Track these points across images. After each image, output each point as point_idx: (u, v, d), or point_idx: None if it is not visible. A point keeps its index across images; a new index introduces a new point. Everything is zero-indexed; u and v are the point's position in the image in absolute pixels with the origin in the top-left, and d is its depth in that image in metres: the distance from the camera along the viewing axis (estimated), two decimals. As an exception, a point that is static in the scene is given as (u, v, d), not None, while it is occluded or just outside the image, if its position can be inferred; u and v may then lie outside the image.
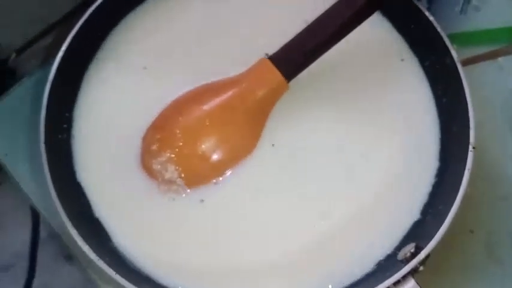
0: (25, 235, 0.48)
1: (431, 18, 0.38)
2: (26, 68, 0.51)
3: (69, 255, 0.51)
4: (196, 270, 0.35)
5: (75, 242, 0.39)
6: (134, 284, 0.31)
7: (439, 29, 0.38)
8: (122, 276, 0.31)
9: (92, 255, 0.32)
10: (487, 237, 0.44)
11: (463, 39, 0.51)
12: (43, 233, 0.49)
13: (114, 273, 0.32)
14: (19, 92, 0.47)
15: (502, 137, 0.47)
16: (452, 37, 0.50)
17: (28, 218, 0.48)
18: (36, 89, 0.46)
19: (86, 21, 0.38)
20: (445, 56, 0.38)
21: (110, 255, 0.34)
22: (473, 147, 0.34)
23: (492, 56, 0.50)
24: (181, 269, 0.35)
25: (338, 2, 0.36)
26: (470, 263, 0.43)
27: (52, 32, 0.52)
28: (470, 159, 0.34)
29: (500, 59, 0.50)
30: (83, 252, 0.39)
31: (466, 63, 0.50)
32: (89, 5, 0.51)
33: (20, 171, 0.44)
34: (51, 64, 0.42)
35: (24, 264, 0.48)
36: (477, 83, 0.49)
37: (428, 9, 0.52)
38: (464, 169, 0.33)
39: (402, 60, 0.41)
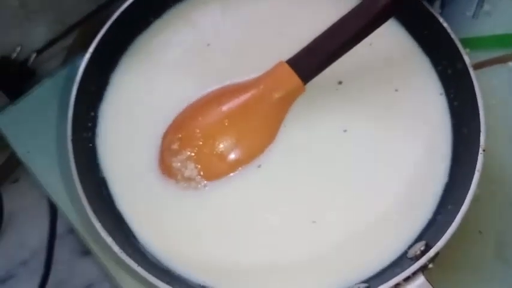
0: (42, 231, 0.49)
1: (444, 24, 0.39)
2: (46, 69, 0.53)
3: (86, 251, 0.53)
4: (215, 265, 0.37)
5: (94, 237, 0.41)
6: (155, 276, 0.33)
7: (452, 35, 0.39)
8: (143, 268, 0.33)
9: (115, 248, 0.34)
10: (496, 238, 0.45)
11: (475, 43, 0.52)
12: (60, 229, 0.50)
13: (136, 265, 0.33)
14: (40, 92, 0.48)
15: (511, 139, 0.48)
16: (464, 41, 0.52)
17: (45, 214, 0.49)
18: (56, 89, 0.48)
19: (115, 22, 0.40)
20: (457, 61, 0.39)
21: (131, 248, 0.36)
22: (483, 150, 0.36)
23: (503, 60, 0.52)
24: (200, 263, 0.37)
25: (353, 9, 0.38)
26: (479, 262, 0.44)
27: (72, 33, 0.53)
28: (480, 162, 0.35)
29: (510, 63, 0.51)
30: (101, 247, 0.41)
31: (477, 67, 0.52)
32: (107, 8, 0.53)
33: (41, 168, 0.46)
34: (73, 65, 0.44)
35: (41, 259, 0.49)
36: (488, 87, 0.50)
37: (441, 14, 0.53)
38: (474, 171, 0.35)
39: (416, 64, 0.43)
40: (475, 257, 0.45)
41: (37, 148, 0.46)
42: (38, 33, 0.51)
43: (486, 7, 0.54)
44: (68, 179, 0.41)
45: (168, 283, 0.33)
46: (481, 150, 0.35)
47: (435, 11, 0.42)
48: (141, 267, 0.33)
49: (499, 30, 0.53)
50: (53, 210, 0.48)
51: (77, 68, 0.40)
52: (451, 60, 0.40)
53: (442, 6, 0.54)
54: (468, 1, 0.54)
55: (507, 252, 0.45)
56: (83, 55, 0.40)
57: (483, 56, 0.51)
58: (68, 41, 0.53)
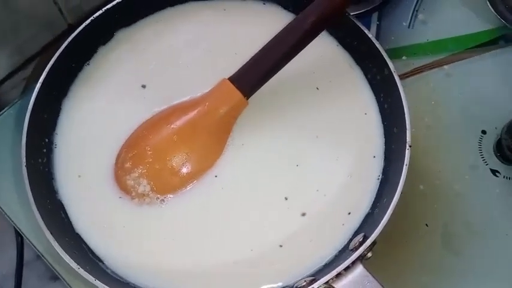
0: (11, 258, 0.51)
1: (370, 35, 0.44)
2: (7, 99, 0.55)
3: (54, 276, 0.55)
4: (175, 271, 0.40)
5: (59, 262, 0.44)
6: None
7: (377, 45, 0.43)
8: (102, 282, 0.36)
9: (73, 265, 0.36)
10: (442, 230, 0.49)
11: (412, 50, 0.57)
12: (28, 255, 0.52)
13: (93, 279, 0.36)
14: (1, 121, 0.51)
15: (452, 138, 0.53)
16: (402, 49, 0.58)
17: (13, 241, 0.51)
18: (17, 118, 0.50)
19: (63, 52, 0.43)
20: (384, 68, 0.43)
21: (90, 264, 0.38)
22: (410, 146, 0.40)
23: (439, 64, 0.56)
24: (161, 275, 0.40)
25: (287, 26, 0.42)
26: (426, 253, 0.48)
27: (31, 64, 0.56)
28: (407, 156, 0.39)
29: (446, 66, 0.56)
30: (68, 272, 0.43)
31: (416, 72, 0.57)
32: (63, 38, 0.56)
33: (3, 197, 0.48)
34: (30, 94, 0.47)
35: (11, 286, 0.51)
36: (427, 89, 0.55)
37: (379, 25, 0.59)
38: (403, 165, 0.38)
39: (349, 72, 0.47)
40: (423, 249, 0.49)
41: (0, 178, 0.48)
42: (-2, 66, 0.54)
43: (421, 16, 0.59)
44: (28, 206, 0.44)
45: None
46: (407, 146, 0.39)
47: (363, 25, 0.45)
48: (100, 280, 0.36)
49: (434, 37, 0.58)
50: (20, 238, 0.50)
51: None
52: (379, 68, 0.44)
53: (380, 18, 0.59)
54: (404, 12, 0.59)
55: (453, 242, 0.49)
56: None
57: (421, 61, 0.56)
58: (28, 71, 0.56)
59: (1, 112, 0.51)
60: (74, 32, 0.45)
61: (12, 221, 0.47)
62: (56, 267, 0.46)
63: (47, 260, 0.46)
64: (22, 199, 0.46)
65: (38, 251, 0.47)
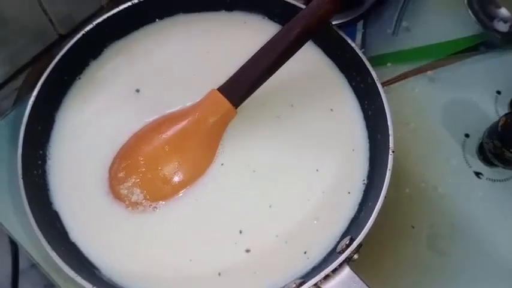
0: (6, 267, 0.52)
1: (353, 45, 0.46)
2: (0, 109, 0.56)
3: (49, 284, 0.56)
4: (168, 278, 0.41)
5: (55, 270, 0.45)
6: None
7: (360, 54, 0.46)
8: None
9: (71, 273, 0.38)
10: (428, 231, 0.51)
11: (397, 57, 0.60)
12: (22, 264, 0.53)
13: (91, 286, 0.37)
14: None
15: (436, 141, 0.55)
16: (387, 56, 0.60)
17: (7, 251, 0.52)
18: (9, 129, 0.51)
19: (55, 66, 0.45)
20: (367, 77, 0.45)
21: (87, 272, 0.40)
22: (393, 151, 0.42)
23: (423, 70, 0.59)
24: (154, 278, 0.42)
25: (272, 37, 0.44)
26: (412, 254, 0.50)
27: (22, 74, 0.56)
28: (391, 161, 0.41)
29: (430, 72, 0.58)
30: (63, 279, 0.45)
31: (401, 78, 0.59)
32: (54, 48, 0.57)
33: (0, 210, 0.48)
34: (22, 105, 0.48)
35: None
36: (411, 95, 0.57)
37: (364, 32, 0.61)
38: (386, 169, 0.40)
39: (334, 81, 0.49)
40: (409, 250, 0.50)
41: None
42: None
43: (405, 24, 0.62)
44: (24, 216, 0.45)
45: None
46: (390, 152, 0.41)
47: (347, 35, 0.48)
48: (96, 286, 0.37)
49: (418, 44, 0.60)
50: (15, 247, 0.52)
51: (25, 108, 0.44)
52: (362, 76, 0.46)
53: (365, 26, 0.61)
54: (388, 19, 0.61)
55: (438, 243, 0.51)
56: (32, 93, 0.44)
57: (405, 68, 0.58)
58: (19, 81, 0.57)
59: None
60: (65, 43, 0.46)
61: (8, 231, 0.48)
62: (53, 276, 0.47)
63: (43, 269, 0.47)
64: (17, 209, 0.48)
65: (34, 259, 0.48)
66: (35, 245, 0.47)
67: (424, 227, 0.51)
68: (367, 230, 0.38)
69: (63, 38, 0.59)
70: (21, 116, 0.49)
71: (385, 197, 0.40)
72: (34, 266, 0.54)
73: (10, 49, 0.53)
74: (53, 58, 0.56)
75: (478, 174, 0.53)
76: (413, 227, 0.51)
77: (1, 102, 0.57)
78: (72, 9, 0.57)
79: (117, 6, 0.48)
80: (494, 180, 0.53)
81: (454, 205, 0.52)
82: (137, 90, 0.48)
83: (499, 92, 0.57)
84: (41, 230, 0.39)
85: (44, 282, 0.55)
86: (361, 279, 0.37)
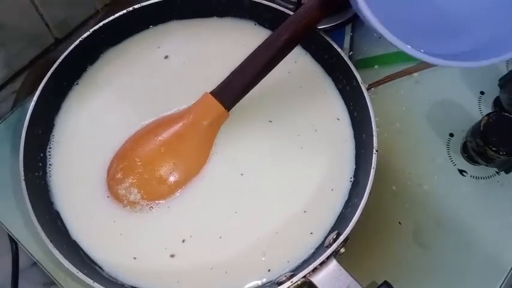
0: (6, 267, 0.54)
1: (339, 49, 0.49)
2: None
3: (48, 283, 0.59)
4: (166, 272, 0.44)
5: (56, 268, 0.48)
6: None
7: (345, 58, 0.49)
8: (100, 284, 0.40)
9: (73, 269, 0.41)
10: (414, 227, 0.53)
11: (384, 60, 0.62)
12: (22, 263, 0.55)
13: (92, 282, 0.40)
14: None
15: (422, 141, 0.58)
16: (374, 59, 0.63)
17: (7, 250, 0.54)
18: (9, 132, 0.54)
19: (54, 72, 0.47)
20: (352, 80, 0.48)
21: (88, 268, 0.43)
22: (377, 150, 0.45)
23: (409, 72, 0.61)
24: (152, 274, 0.44)
25: (262, 43, 0.47)
26: (399, 249, 0.52)
27: (19, 77, 0.59)
28: (375, 160, 0.44)
29: (415, 74, 0.61)
30: (64, 277, 0.47)
31: (387, 80, 0.62)
32: (51, 51, 0.59)
33: (0, 210, 0.51)
34: (22, 108, 0.51)
35: None
36: (397, 96, 0.60)
37: (352, 36, 0.64)
38: (371, 168, 0.43)
39: (321, 84, 0.52)
40: (396, 245, 0.53)
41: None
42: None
43: (391, 27, 0.64)
44: (25, 215, 0.48)
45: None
46: (374, 151, 0.44)
47: (332, 40, 0.50)
48: (98, 283, 0.40)
49: (403, 47, 0.63)
50: (15, 246, 0.54)
51: (25, 112, 0.46)
52: (348, 79, 0.49)
53: (353, 29, 0.64)
54: (375, 23, 0.64)
55: (424, 239, 0.53)
56: (32, 98, 0.46)
57: (391, 70, 0.61)
58: (17, 84, 0.59)
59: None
60: (62, 49, 0.48)
61: (9, 230, 0.51)
62: (53, 274, 0.49)
63: (43, 267, 0.50)
64: (18, 209, 0.50)
65: (34, 258, 0.50)
66: (36, 243, 0.49)
67: (410, 222, 0.53)
68: (353, 225, 0.41)
69: (60, 42, 0.61)
70: (20, 119, 0.52)
71: (372, 193, 0.43)
72: (33, 265, 0.57)
73: (7, 53, 0.56)
74: (50, 61, 0.58)
75: (462, 172, 0.56)
76: (400, 223, 0.54)
77: (0, 104, 0.59)
78: (68, 14, 0.59)
79: (112, 10, 0.51)
80: (478, 178, 0.56)
81: (439, 202, 0.54)
82: (133, 95, 0.51)
83: (482, 93, 0.59)
84: (43, 228, 0.42)
85: (44, 281, 0.58)
86: (347, 271, 0.40)
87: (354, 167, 0.48)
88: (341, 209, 0.46)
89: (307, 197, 0.47)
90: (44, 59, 0.60)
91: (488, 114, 0.53)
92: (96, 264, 0.45)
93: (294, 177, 0.48)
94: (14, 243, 0.53)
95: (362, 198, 0.42)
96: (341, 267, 0.40)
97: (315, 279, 0.40)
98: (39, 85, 0.47)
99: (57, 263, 0.46)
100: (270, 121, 0.51)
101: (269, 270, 0.44)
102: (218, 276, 0.44)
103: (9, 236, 0.53)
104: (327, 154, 0.49)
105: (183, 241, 0.46)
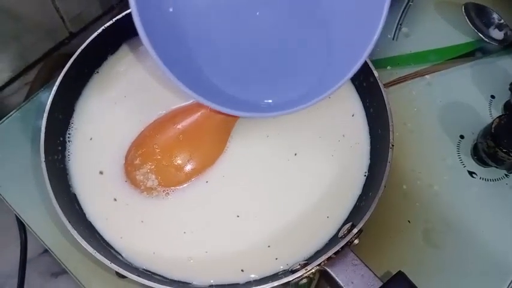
0: (14, 256, 0.56)
1: (356, 46, 0.51)
2: (10, 103, 0.61)
3: (56, 273, 0.60)
4: (181, 258, 0.46)
5: (67, 255, 0.49)
6: (129, 271, 0.41)
7: (364, 55, 0.50)
8: (116, 264, 0.42)
9: (90, 249, 0.42)
10: (424, 226, 0.55)
11: (396, 61, 0.64)
12: (31, 253, 0.56)
13: (109, 262, 0.42)
14: (8, 124, 0.56)
15: (433, 141, 0.59)
16: (387, 60, 0.65)
17: (16, 240, 0.55)
18: (23, 121, 0.56)
19: (77, 58, 0.49)
20: (369, 76, 0.50)
21: (104, 251, 0.44)
22: (392, 145, 0.47)
23: (421, 74, 0.63)
24: (168, 258, 0.46)
25: None
26: (408, 247, 0.54)
27: (33, 70, 0.61)
28: (391, 154, 0.46)
29: (427, 76, 0.63)
30: (75, 263, 0.49)
31: (400, 81, 0.64)
32: (64, 45, 0.61)
33: (12, 195, 0.53)
34: (36, 98, 0.53)
35: (14, 283, 0.55)
36: (409, 97, 0.62)
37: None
38: (387, 162, 0.45)
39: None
40: (405, 243, 0.54)
41: (7, 177, 0.54)
42: (0, 71, 0.58)
43: (404, 29, 0.67)
44: (38, 201, 0.50)
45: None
46: (390, 145, 0.46)
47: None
48: (114, 263, 0.42)
49: (416, 49, 0.65)
50: (24, 235, 0.55)
51: (43, 101, 0.48)
52: (365, 75, 0.51)
53: (366, 30, 0.66)
54: (388, 25, 0.67)
55: (433, 238, 0.55)
56: (48, 88, 0.48)
57: (404, 71, 0.63)
58: (30, 76, 0.61)
59: (7, 116, 0.57)
60: (74, 41, 0.51)
61: (21, 216, 0.52)
62: (64, 261, 0.51)
63: (54, 254, 0.51)
64: (30, 196, 0.52)
65: (45, 244, 0.51)
66: (48, 230, 0.51)
67: (420, 221, 0.55)
68: (368, 217, 0.43)
69: (74, 36, 0.63)
70: (38, 108, 0.54)
71: (383, 191, 0.44)
72: (41, 255, 0.59)
73: (22, 45, 0.57)
74: (63, 55, 0.60)
75: (471, 173, 0.57)
76: (409, 222, 0.55)
77: (12, 95, 0.61)
78: (83, 8, 0.61)
79: (126, 5, 0.53)
80: (487, 180, 0.57)
81: (449, 202, 0.56)
82: (152, 84, 0.52)
83: (493, 97, 0.61)
84: (62, 210, 0.43)
85: (51, 271, 0.59)
86: (362, 260, 0.42)
87: (369, 162, 0.50)
88: (355, 202, 0.48)
89: (322, 190, 0.49)
90: (57, 52, 0.62)
91: (499, 116, 0.54)
92: (112, 247, 0.46)
93: (310, 170, 0.50)
94: (23, 232, 0.54)
95: (377, 191, 0.44)
96: (356, 257, 0.42)
97: (330, 268, 0.42)
98: (52, 78, 0.48)
99: (68, 250, 0.48)
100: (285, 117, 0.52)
101: (283, 259, 0.46)
102: (233, 263, 0.46)
103: (18, 224, 0.54)
104: (342, 149, 0.51)
105: (199, 228, 0.47)
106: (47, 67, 0.61)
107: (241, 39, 0.46)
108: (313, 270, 0.42)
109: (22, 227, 0.54)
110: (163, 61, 0.38)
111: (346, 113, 0.52)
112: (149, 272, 0.45)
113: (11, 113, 0.57)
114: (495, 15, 0.64)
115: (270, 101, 0.45)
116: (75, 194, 0.48)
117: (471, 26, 0.63)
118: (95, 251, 0.42)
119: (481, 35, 0.63)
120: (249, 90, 0.45)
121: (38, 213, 0.52)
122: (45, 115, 0.47)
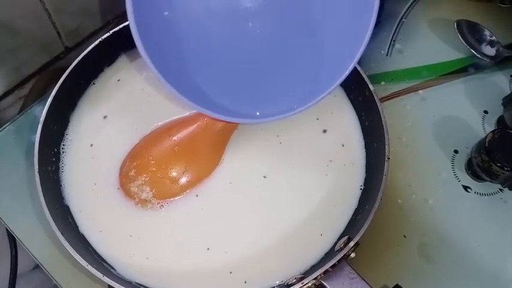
0: (4, 271, 0.55)
1: (352, 61, 0.51)
2: (4, 116, 0.60)
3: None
4: (174, 273, 0.45)
5: (59, 271, 0.48)
6: (122, 285, 0.41)
7: (359, 69, 0.50)
8: (110, 278, 0.41)
9: (83, 262, 0.41)
10: (419, 240, 0.55)
11: (390, 76, 0.65)
12: (23, 268, 0.56)
13: (102, 275, 0.41)
14: (1, 137, 0.56)
15: (427, 156, 0.60)
16: (380, 75, 0.65)
17: (6, 255, 0.55)
18: (17, 133, 0.55)
19: (72, 71, 0.49)
20: (365, 90, 0.50)
21: (96, 264, 0.43)
22: (388, 158, 0.47)
23: (415, 89, 0.64)
24: (160, 272, 0.45)
25: None
26: (404, 262, 0.54)
27: (28, 83, 0.61)
28: (387, 167, 0.46)
29: (421, 91, 0.64)
30: (67, 279, 0.48)
31: (394, 96, 0.65)
32: (60, 59, 0.61)
33: (3, 209, 0.52)
34: (31, 110, 0.52)
35: None
36: (403, 112, 0.63)
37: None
38: (383, 175, 0.45)
39: (334, 96, 0.54)
40: (401, 257, 0.54)
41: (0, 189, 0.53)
42: (-5, 84, 0.57)
43: (398, 46, 0.67)
44: (30, 215, 0.49)
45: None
46: (386, 158, 0.46)
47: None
48: (107, 276, 0.41)
49: (410, 64, 0.66)
50: (14, 250, 0.54)
51: (37, 114, 0.48)
52: (360, 89, 0.51)
53: (361, 46, 0.67)
54: (382, 41, 0.67)
55: (428, 252, 0.55)
56: (42, 102, 0.48)
57: (398, 86, 0.64)
58: (25, 90, 0.61)
59: (1, 128, 0.56)
60: (70, 55, 0.51)
61: (12, 231, 0.51)
62: (55, 276, 0.50)
63: (45, 269, 0.50)
64: (22, 209, 0.51)
65: (36, 260, 0.50)
66: (39, 244, 0.50)
67: (415, 236, 0.55)
68: (364, 230, 0.43)
69: (69, 50, 0.63)
70: (31, 121, 0.54)
71: (378, 206, 0.44)
72: (33, 270, 0.58)
73: (18, 59, 0.57)
74: (59, 69, 0.60)
75: (466, 188, 0.57)
76: (405, 236, 0.55)
77: (7, 109, 0.61)
78: (79, 23, 0.61)
79: (123, 22, 0.53)
80: (481, 194, 0.57)
81: (444, 216, 0.56)
82: (148, 95, 0.53)
83: (486, 112, 0.62)
84: (55, 222, 0.43)
85: (43, 287, 0.58)
86: (358, 274, 0.42)
87: (365, 175, 0.50)
88: (351, 216, 0.48)
89: (318, 204, 0.49)
90: (53, 66, 0.62)
91: (493, 131, 0.55)
92: (105, 261, 0.45)
93: (305, 184, 0.50)
94: (13, 247, 0.53)
95: (373, 204, 0.44)
96: (352, 270, 0.41)
97: (327, 281, 0.41)
98: (46, 91, 0.48)
99: (60, 264, 0.47)
100: (279, 129, 0.52)
101: (279, 273, 0.45)
102: (229, 277, 0.45)
103: (9, 239, 0.53)
104: (338, 163, 0.51)
105: (192, 241, 0.47)
106: (42, 81, 0.61)
107: (234, 50, 0.47)
108: (309, 284, 0.41)
109: (13, 241, 0.53)
110: (162, 73, 0.39)
111: (342, 127, 0.53)
112: (142, 286, 0.44)
113: (5, 125, 0.56)
114: (487, 32, 0.65)
115: (264, 109, 0.45)
116: (68, 206, 0.47)
117: (463, 42, 0.64)
118: (88, 264, 0.41)
119: (473, 51, 0.64)
120: (241, 100, 0.46)
121: (29, 227, 0.51)
122: (40, 126, 0.47)
